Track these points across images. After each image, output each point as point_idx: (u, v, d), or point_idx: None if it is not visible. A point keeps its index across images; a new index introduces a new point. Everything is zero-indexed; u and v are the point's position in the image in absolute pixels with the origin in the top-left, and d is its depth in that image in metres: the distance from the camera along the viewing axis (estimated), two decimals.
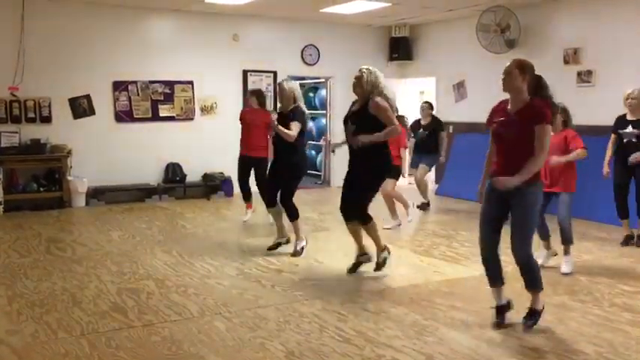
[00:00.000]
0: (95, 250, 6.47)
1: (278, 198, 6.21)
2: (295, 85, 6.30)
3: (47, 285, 5.19)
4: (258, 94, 7.82)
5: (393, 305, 4.73)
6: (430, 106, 9.22)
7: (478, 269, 5.72)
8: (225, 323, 4.29)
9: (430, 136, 9.00)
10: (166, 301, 4.77)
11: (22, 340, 3.98)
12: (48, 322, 4.30)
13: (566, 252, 5.69)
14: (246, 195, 7.86)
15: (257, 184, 7.57)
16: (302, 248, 6.18)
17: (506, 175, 4.00)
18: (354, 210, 5.35)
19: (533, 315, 4.21)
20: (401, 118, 7.16)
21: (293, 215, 6.19)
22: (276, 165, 6.30)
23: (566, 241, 5.69)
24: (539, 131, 3.92)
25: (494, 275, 4.25)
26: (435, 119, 9.12)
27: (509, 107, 4.08)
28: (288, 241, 6.40)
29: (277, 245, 6.39)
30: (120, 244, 6.77)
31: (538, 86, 4.06)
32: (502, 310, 4.27)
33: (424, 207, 9.06)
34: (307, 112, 6.36)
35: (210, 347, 3.87)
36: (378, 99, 5.17)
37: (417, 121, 9.25)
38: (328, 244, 6.69)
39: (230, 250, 6.49)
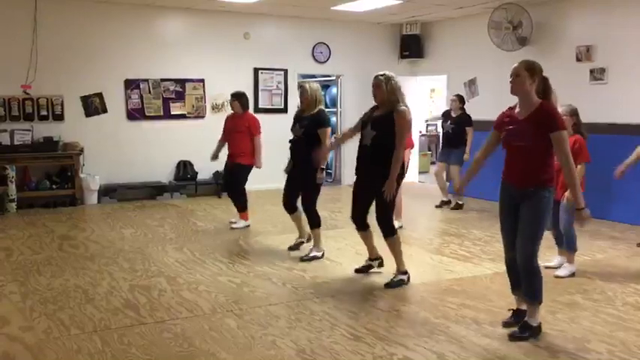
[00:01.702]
0: (107, 248, 6.51)
1: (298, 203, 6.13)
2: (318, 87, 6.07)
3: (60, 282, 5.23)
4: (240, 97, 7.52)
5: (404, 303, 4.73)
6: (460, 99, 9.16)
7: (489, 267, 5.74)
8: (236, 320, 4.31)
9: (456, 130, 9.00)
10: (178, 298, 4.79)
11: (35, 337, 4.01)
12: (61, 318, 4.33)
13: (568, 260, 5.49)
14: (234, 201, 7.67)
15: (233, 189, 7.53)
16: (314, 257, 5.99)
17: (525, 182, 3.89)
18: (384, 225, 5.08)
19: (524, 329, 3.98)
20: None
21: (314, 223, 6.05)
22: (294, 171, 6.12)
23: (568, 248, 5.48)
24: (557, 139, 3.77)
25: (515, 281, 4.14)
26: (464, 114, 9.06)
27: (517, 111, 3.94)
28: (309, 239, 6.29)
29: (299, 245, 6.36)
30: (132, 242, 6.80)
31: (546, 87, 3.94)
32: (518, 313, 4.17)
33: (443, 203, 9.11)
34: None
35: (221, 344, 3.88)
36: (405, 111, 4.96)
37: (448, 112, 9.29)
38: (339, 242, 6.68)
39: (241, 248, 6.51)
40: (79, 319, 4.32)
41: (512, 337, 3.97)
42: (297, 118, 6.10)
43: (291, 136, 6.15)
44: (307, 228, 6.23)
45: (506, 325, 4.16)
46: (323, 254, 6.05)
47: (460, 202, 9.03)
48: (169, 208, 9.03)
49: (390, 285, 5.12)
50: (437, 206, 9.13)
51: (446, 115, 9.28)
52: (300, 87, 6.13)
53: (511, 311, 4.22)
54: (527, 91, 3.87)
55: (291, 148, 6.14)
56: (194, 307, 4.60)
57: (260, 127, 7.46)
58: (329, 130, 5.94)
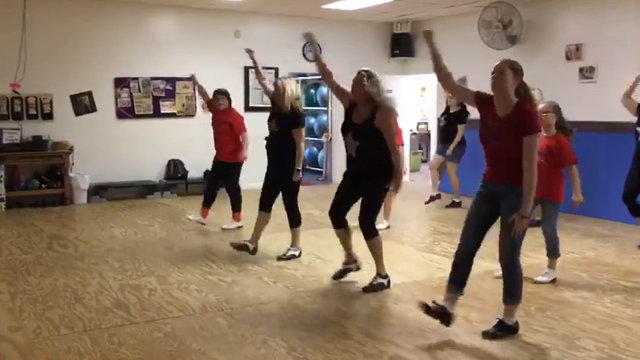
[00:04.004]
0: (97, 247, 6.48)
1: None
2: (290, 82, 5.91)
3: (49, 281, 5.20)
4: (224, 92, 7.59)
5: (395, 302, 4.73)
6: None
7: (480, 266, 5.70)
8: (227, 319, 4.30)
9: (450, 125, 8.99)
10: (168, 298, 4.77)
11: (24, 337, 3.99)
12: (50, 318, 4.31)
13: (550, 265, 5.23)
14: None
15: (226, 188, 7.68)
16: (292, 255, 5.96)
17: (502, 178, 3.88)
18: (366, 225, 4.92)
19: (500, 327, 3.97)
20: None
21: (294, 222, 6.03)
22: (270, 168, 6.04)
23: (550, 252, 5.22)
24: (527, 144, 3.71)
25: (459, 281, 4.07)
26: (461, 110, 9.00)
27: (496, 110, 3.90)
28: (255, 251, 6.10)
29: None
30: (122, 241, 6.77)
31: (523, 88, 3.89)
32: (442, 314, 3.97)
33: (432, 199, 9.04)
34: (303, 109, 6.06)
35: (212, 343, 3.87)
36: (387, 111, 4.75)
37: (447, 109, 9.27)
38: (330, 241, 6.64)
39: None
40: (68, 318, 4.30)
41: (486, 335, 3.96)
42: (273, 115, 6.02)
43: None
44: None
45: (426, 310, 4.00)
46: (300, 253, 6.04)
47: (457, 201, 9.00)
48: (160, 207, 9.00)
49: (368, 289, 4.92)
50: (426, 202, 9.10)
51: (445, 111, 9.31)
52: (274, 84, 6.05)
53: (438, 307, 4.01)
54: (508, 90, 3.86)
55: (266, 145, 6.10)
56: (184, 306, 4.59)
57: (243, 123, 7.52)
58: (302, 130, 5.88)
